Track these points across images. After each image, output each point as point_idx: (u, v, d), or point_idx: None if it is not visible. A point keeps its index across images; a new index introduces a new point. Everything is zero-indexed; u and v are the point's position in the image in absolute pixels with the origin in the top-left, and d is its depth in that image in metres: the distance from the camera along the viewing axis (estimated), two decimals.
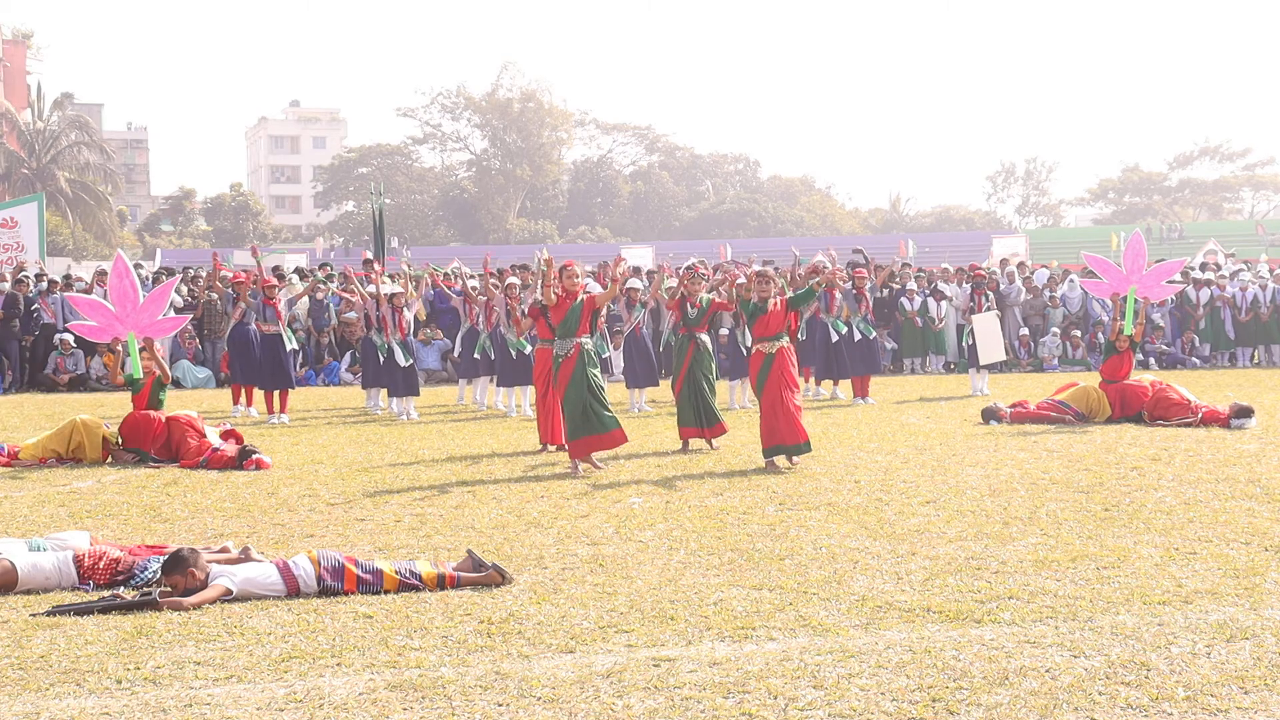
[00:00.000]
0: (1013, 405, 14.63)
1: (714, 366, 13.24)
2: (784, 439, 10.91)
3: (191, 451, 11.82)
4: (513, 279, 17.64)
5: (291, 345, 16.33)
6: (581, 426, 10.86)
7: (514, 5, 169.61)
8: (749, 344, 16.47)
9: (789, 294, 11.63)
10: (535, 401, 13.07)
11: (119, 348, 12.56)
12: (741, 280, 13.15)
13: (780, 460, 11.01)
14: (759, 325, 11.21)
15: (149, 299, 12.67)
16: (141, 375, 12.43)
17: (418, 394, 16.50)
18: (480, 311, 17.01)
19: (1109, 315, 16.45)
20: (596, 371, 11.11)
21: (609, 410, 11.02)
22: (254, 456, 11.56)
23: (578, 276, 11.40)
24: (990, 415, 14.46)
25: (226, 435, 12.23)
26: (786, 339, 11.23)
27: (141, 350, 12.41)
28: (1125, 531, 8.01)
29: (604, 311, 11.98)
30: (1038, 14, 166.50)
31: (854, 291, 18.17)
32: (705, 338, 13.07)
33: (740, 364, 16.49)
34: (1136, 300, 14.79)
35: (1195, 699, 4.87)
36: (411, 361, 16.31)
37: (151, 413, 12.29)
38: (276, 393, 16.03)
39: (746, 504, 9.25)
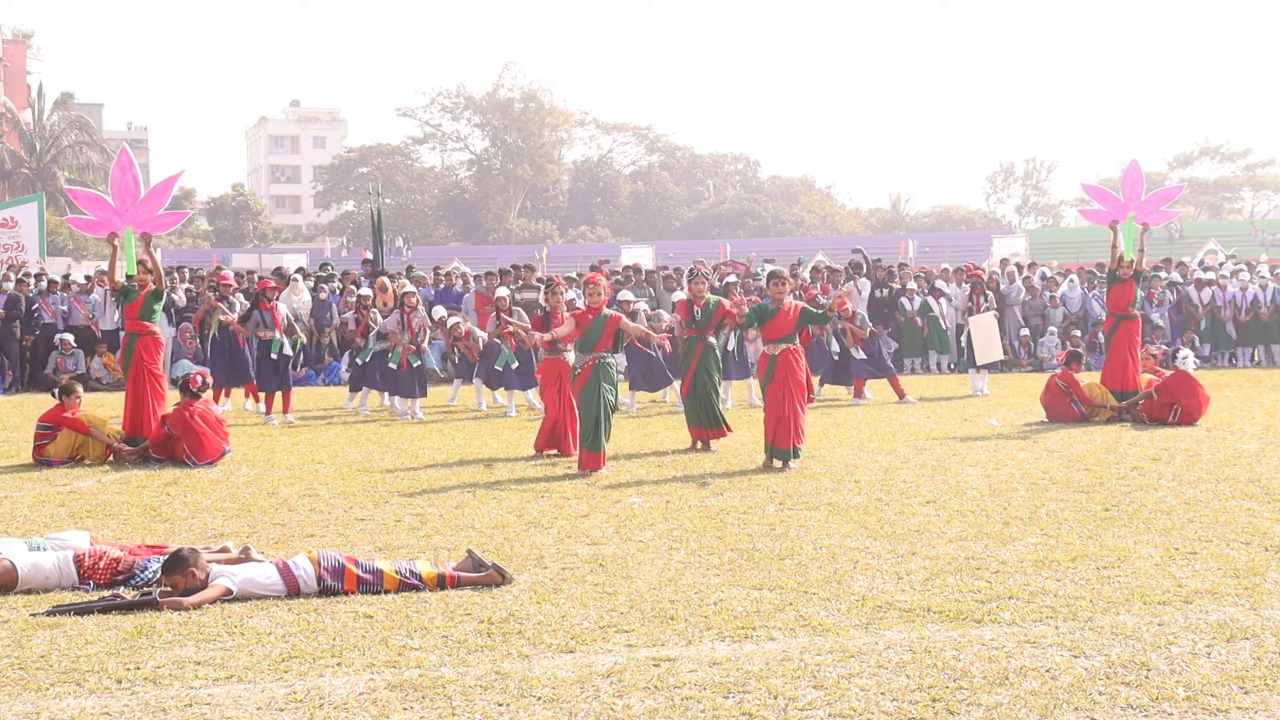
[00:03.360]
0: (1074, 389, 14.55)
1: (718, 369, 13.03)
2: (781, 443, 11.00)
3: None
4: (502, 291, 17.61)
5: (285, 351, 16.03)
6: (590, 440, 10.98)
7: (514, 5, 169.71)
8: (730, 346, 16.68)
9: (805, 307, 11.37)
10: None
11: (116, 242, 12.61)
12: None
13: (776, 462, 11.06)
14: (769, 328, 11.21)
15: (150, 193, 12.61)
16: (135, 275, 12.54)
17: (424, 395, 16.50)
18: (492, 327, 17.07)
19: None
20: (610, 388, 11.13)
21: (605, 434, 11.03)
22: (193, 374, 12.10)
23: (600, 294, 11.43)
24: (1074, 358, 14.77)
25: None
26: (796, 341, 11.29)
27: (140, 262, 12.50)
28: (1125, 531, 8.02)
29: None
30: (1038, 14, 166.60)
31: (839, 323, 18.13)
32: (713, 339, 13.00)
33: (732, 366, 16.71)
34: (1136, 227, 15.04)
35: (1195, 699, 4.87)
36: (420, 363, 16.29)
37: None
38: (279, 394, 15.98)
39: (746, 504, 9.25)
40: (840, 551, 7.55)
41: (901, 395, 17.47)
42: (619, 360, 17.14)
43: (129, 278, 12.73)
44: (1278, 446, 11.98)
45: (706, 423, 12.43)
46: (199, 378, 12.06)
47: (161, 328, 13.21)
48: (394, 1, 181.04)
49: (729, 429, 12.61)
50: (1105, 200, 15.69)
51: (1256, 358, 24.81)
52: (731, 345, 16.84)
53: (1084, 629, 5.80)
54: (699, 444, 12.42)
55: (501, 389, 17.04)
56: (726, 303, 12.76)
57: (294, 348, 16.49)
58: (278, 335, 15.84)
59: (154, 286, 12.58)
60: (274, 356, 15.85)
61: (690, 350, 12.82)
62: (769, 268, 14.16)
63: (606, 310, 11.37)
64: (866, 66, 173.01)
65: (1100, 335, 22.72)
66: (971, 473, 10.60)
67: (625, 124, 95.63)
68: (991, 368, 18.85)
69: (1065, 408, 14.32)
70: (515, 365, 16.38)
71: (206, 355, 22.03)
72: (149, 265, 12.64)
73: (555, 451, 12.10)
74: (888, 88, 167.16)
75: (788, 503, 9.28)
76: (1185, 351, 14.18)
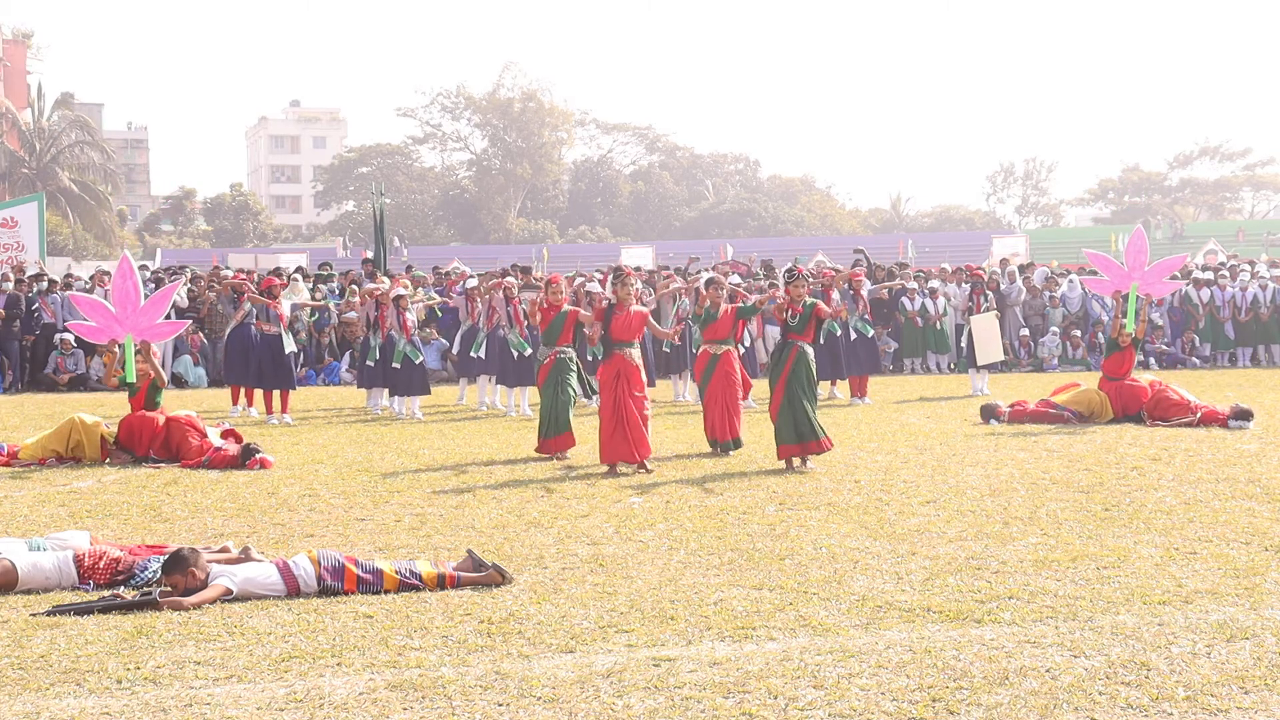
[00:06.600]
0: (1012, 405, 14.66)
1: (812, 377, 11.43)
2: (718, 434, 11.96)
3: (193, 451, 11.79)
4: (510, 279, 17.70)
5: (291, 348, 16.23)
6: (550, 428, 11.85)
7: (514, 6, 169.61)
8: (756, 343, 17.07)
9: (739, 305, 12.46)
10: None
11: (116, 349, 12.52)
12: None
13: (719, 451, 11.96)
14: (710, 330, 12.21)
15: (150, 302, 12.63)
16: (136, 379, 12.39)
17: (428, 393, 16.51)
18: (482, 311, 17.12)
19: (1109, 315, 16.48)
20: (570, 379, 11.99)
21: (567, 416, 11.90)
22: (257, 456, 11.54)
23: (561, 292, 12.20)
24: (989, 413, 14.50)
25: (226, 434, 12.21)
26: (732, 343, 12.29)
27: (137, 354, 12.37)
28: (1125, 531, 8.02)
29: (588, 327, 12.59)
30: (1038, 14, 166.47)
31: (851, 292, 18.25)
32: (809, 347, 11.35)
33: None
34: (1139, 297, 14.85)
35: (1195, 699, 4.87)
36: (422, 360, 16.30)
37: (148, 413, 12.27)
38: (277, 393, 16.00)
39: (746, 504, 9.26)
40: (840, 551, 7.55)
41: (863, 395, 17.59)
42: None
43: (127, 383, 12.50)
44: (1278, 446, 11.98)
45: (805, 435, 11.02)
46: (258, 464, 11.48)
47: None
48: (394, 1, 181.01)
49: (830, 442, 11.21)
50: (1108, 269, 15.51)
51: (1257, 358, 24.81)
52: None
53: (1084, 629, 5.80)
54: (792, 462, 11.05)
55: (502, 391, 17.01)
56: (823, 304, 11.79)
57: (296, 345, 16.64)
58: (283, 330, 15.96)
59: (154, 378, 12.50)
60: (290, 351, 16.02)
61: (782, 356, 11.33)
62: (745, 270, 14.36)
63: (566, 307, 12.09)
64: (866, 66, 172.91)
65: (1100, 335, 22.79)
66: (971, 473, 10.60)
67: (625, 124, 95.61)
68: (991, 368, 18.85)
69: (1048, 416, 14.23)
70: (528, 353, 16.22)
71: (212, 355, 22.15)
72: (150, 370, 12.54)
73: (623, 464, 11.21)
74: (888, 88, 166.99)
75: (788, 503, 9.28)
76: (1249, 425, 13.34)
